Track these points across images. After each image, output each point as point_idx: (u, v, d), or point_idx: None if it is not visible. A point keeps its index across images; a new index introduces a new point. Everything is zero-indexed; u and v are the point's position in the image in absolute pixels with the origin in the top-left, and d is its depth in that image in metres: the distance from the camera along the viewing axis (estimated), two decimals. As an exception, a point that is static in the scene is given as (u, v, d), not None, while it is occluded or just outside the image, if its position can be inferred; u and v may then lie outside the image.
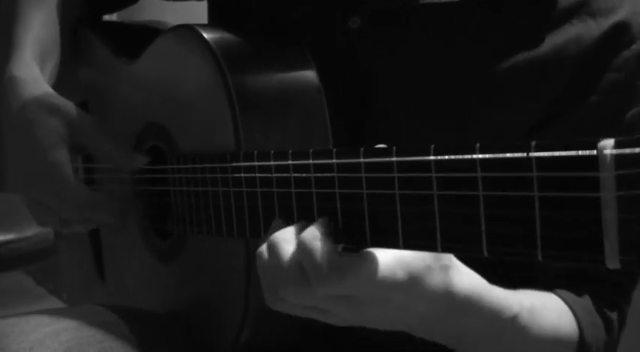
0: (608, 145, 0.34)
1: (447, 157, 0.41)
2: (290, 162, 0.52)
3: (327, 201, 0.50)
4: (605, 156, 0.34)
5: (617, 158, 0.33)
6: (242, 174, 0.58)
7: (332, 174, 0.49)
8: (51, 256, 1.26)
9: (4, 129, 0.75)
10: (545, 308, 0.61)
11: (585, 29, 0.64)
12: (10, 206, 1.10)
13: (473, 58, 0.65)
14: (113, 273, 0.87)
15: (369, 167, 0.46)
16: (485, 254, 0.40)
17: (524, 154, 0.37)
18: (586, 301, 0.65)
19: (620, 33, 0.64)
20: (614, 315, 0.67)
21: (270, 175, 0.55)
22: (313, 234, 0.47)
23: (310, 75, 0.65)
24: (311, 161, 0.51)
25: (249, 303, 0.63)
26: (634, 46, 0.64)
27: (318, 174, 0.50)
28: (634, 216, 0.33)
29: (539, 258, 0.37)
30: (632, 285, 0.69)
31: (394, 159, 0.44)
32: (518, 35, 0.64)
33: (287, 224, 0.52)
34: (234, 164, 0.59)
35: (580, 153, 0.35)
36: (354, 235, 0.48)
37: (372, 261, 0.48)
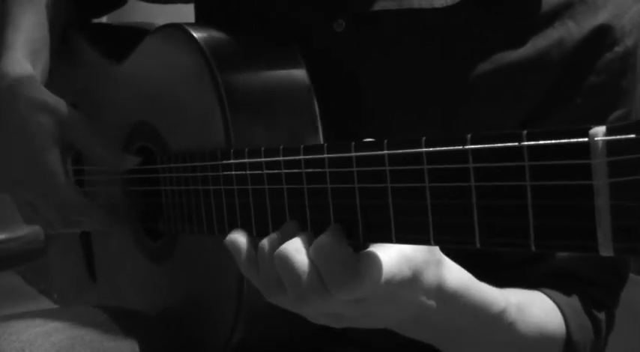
0: (599, 132, 0.33)
1: (438, 149, 0.41)
2: (281, 158, 0.52)
3: (319, 196, 0.49)
4: (596, 142, 0.33)
5: (609, 144, 0.33)
6: (233, 172, 0.58)
7: (323, 169, 0.48)
8: (41, 256, 1.25)
9: None
10: (532, 305, 0.62)
11: (567, 33, 0.64)
12: (0, 206, 1.09)
13: (457, 59, 0.65)
14: (104, 274, 0.87)
15: (361, 161, 0.46)
16: (478, 245, 0.39)
17: (516, 144, 0.37)
18: (574, 301, 0.65)
19: (602, 36, 0.64)
20: (602, 316, 0.67)
21: (261, 172, 0.54)
22: (330, 239, 0.46)
23: (300, 73, 0.65)
24: (302, 156, 0.50)
25: (242, 302, 0.62)
26: (617, 48, 0.65)
27: (310, 170, 0.50)
28: (627, 203, 0.33)
29: (533, 247, 0.37)
30: (620, 286, 0.69)
31: (385, 152, 0.44)
32: (502, 38, 0.65)
33: (301, 228, 0.50)
34: (225, 161, 0.59)
35: (572, 140, 0.34)
36: (346, 229, 0.48)
37: (381, 260, 0.47)
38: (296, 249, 0.47)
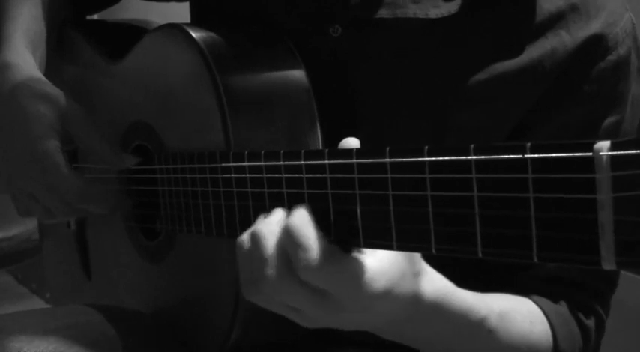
0: (604, 147, 0.34)
1: (441, 158, 0.41)
2: (282, 162, 0.52)
3: (319, 201, 0.49)
4: (601, 157, 0.34)
5: (613, 159, 0.33)
6: (232, 175, 0.58)
7: (324, 175, 0.49)
8: (34, 256, 1.25)
9: None
10: (517, 313, 0.62)
11: (560, 43, 0.65)
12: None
13: (450, 68, 0.66)
14: (99, 272, 0.87)
15: (362, 168, 0.46)
16: (480, 255, 0.40)
17: (520, 156, 0.37)
18: (562, 308, 0.66)
19: (595, 45, 0.65)
20: (590, 322, 0.68)
21: (261, 175, 0.54)
22: (301, 220, 0.47)
23: (299, 74, 0.65)
24: (303, 161, 0.50)
25: (239, 303, 0.62)
26: (609, 57, 0.65)
27: (310, 175, 0.50)
28: (630, 217, 0.33)
29: (535, 259, 0.37)
30: (610, 292, 0.70)
31: (387, 160, 0.44)
32: (496, 49, 0.65)
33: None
34: (224, 164, 0.59)
35: (576, 154, 0.35)
36: (346, 236, 0.48)
37: (358, 262, 0.48)
38: (270, 231, 0.48)
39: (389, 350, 0.64)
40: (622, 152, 0.33)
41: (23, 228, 1.24)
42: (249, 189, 0.56)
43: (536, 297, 0.65)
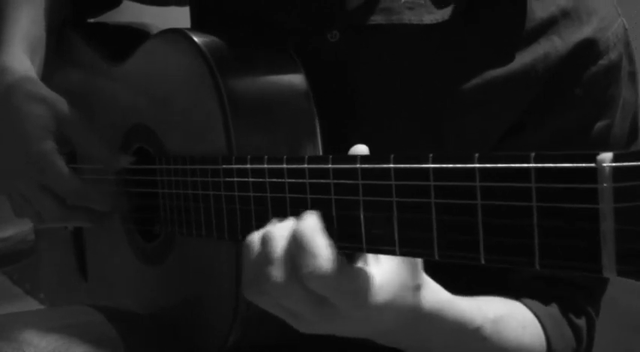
0: (606, 158, 0.35)
1: (445, 166, 0.42)
2: (284, 166, 0.53)
3: (321, 207, 0.50)
4: (603, 168, 0.35)
5: (616, 170, 0.34)
6: (235, 178, 0.58)
7: (328, 181, 0.49)
8: (30, 257, 1.25)
9: None
10: (510, 317, 0.63)
11: (552, 47, 0.66)
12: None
13: (444, 73, 0.67)
14: (96, 273, 0.87)
15: (367, 173, 0.47)
16: (483, 261, 0.40)
17: (524, 165, 0.38)
18: (554, 310, 0.67)
19: (586, 49, 0.66)
20: (582, 322, 0.69)
21: (263, 180, 0.55)
22: (311, 227, 0.47)
23: (299, 79, 0.66)
24: (306, 165, 0.51)
25: (238, 305, 0.63)
26: (601, 62, 0.66)
27: (314, 180, 0.50)
28: (631, 227, 0.34)
29: (537, 267, 0.38)
30: (601, 292, 0.71)
31: (392, 166, 0.45)
32: (489, 54, 0.66)
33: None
34: (226, 166, 0.59)
35: (579, 165, 0.36)
36: (349, 241, 0.48)
37: (362, 276, 0.49)
38: (281, 235, 0.49)
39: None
40: (624, 164, 0.34)
41: (19, 228, 1.24)
42: (251, 193, 0.57)
43: (527, 300, 0.66)
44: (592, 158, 0.35)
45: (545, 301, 0.67)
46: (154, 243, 0.74)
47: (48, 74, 0.80)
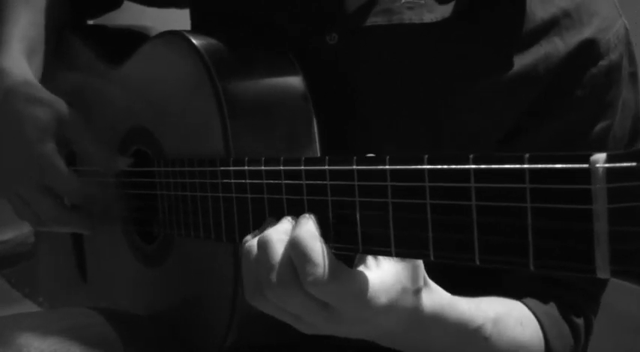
0: (600, 159, 0.35)
1: (440, 167, 0.42)
2: (281, 167, 0.53)
3: (318, 208, 0.50)
4: (597, 169, 0.35)
5: (609, 171, 0.34)
6: (232, 180, 0.58)
7: (324, 182, 0.49)
8: (29, 259, 1.25)
9: None
10: (510, 316, 0.63)
11: (553, 48, 0.66)
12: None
13: (445, 73, 0.67)
14: (95, 275, 0.87)
15: (362, 175, 0.47)
16: (478, 262, 0.41)
17: (518, 166, 0.38)
18: (552, 309, 0.67)
19: (587, 50, 0.66)
20: (580, 321, 0.69)
21: (260, 181, 0.55)
22: (310, 233, 0.48)
23: (297, 82, 0.66)
24: (303, 167, 0.51)
25: (236, 306, 0.63)
26: (601, 62, 0.66)
27: (310, 181, 0.51)
28: (624, 228, 0.34)
29: (531, 267, 0.38)
30: (599, 292, 0.71)
31: (387, 167, 0.45)
32: (490, 54, 0.66)
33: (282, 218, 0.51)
34: (224, 168, 0.59)
35: (573, 166, 0.36)
36: (345, 242, 0.49)
37: (363, 276, 0.49)
38: (278, 238, 0.49)
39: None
40: (618, 164, 0.34)
41: (18, 231, 1.24)
42: (248, 195, 0.57)
43: (526, 299, 0.67)
44: (586, 159, 0.35)
45: (544, 300, 0.67)
46: (152, 245, 0.75)
47: (47, 76, 0.80)
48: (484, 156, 0.40)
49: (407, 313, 0.52)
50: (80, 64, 0.87)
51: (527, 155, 0.38)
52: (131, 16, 0.99)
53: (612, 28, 0.67)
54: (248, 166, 0.57)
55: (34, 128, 0.71)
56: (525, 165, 0.37)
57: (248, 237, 0.53)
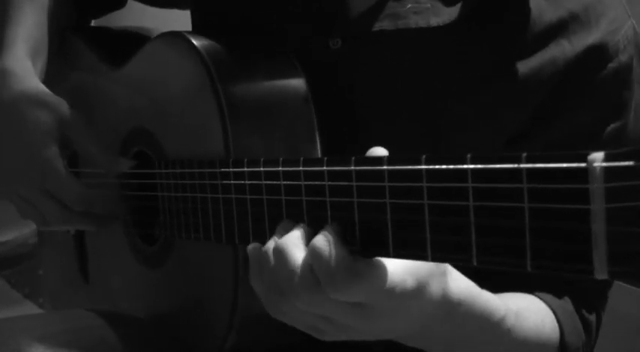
0: (597, 158, 0.34)
1: (438, 167, 0.42)
2: (280, 168, 0.53)
3: (317, 209, 0.50)
4: (594, 168, 0.34)
5: (607, 170, 0.34)
6: (232, 181, 0.58)
7: (323, 183, 0.49)
8: (30, 260, 1.25)
9: None
10: (529, 310, 0.63)
11: (561, 52, 0.66)
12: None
13: (451, 74, 0.66)
14: (97, 276, 0.87)
15: (360, 175, 0.47)
16: (475, 263, 0.40)
17: (515, 165, 0.38)
18: (567, 304, 0.67)
19: (596, 53, 0.66)
20: (592, 318, 0.69)
21: (259, 182, 0.55)
22: (326, 240, 0.46)
23: (299, 84, 0.66)
24: (301, 168, 0.51)
25: (236, 308, 0.63)
26: (610, 65, 0.66)
27: (309, 182, 0.50)
28: (622, 228, 0.33)
29: (529, 268, 0.38)
30: (606, 288, 0.71)
31: (385, 167, 0.45)
32: (496, 58, 0.66)
33: (296, 224, 0.51)
34: (224, 170, 0.59)
35: (570, 165, 0.35)
36: (343, 242, 0.48)
37: (384, 268, 0.47)
38: (294, 244, 0.48)
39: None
40: (616, 163, 0.34)
41: (18, 232, 1.24)
42: (247, 196, 0.57)
43: (542, 294, 0.66)
44: (583, 158, 0.35)
45: (557, 295, 0.67)
46: (153, 247, 0.74)
47: (49, 77, 0.80)
48: (482, 156, 0.40)
49: (438, 297, 0.51)
50: (82, 65, 0.88)
51: (524, 154, 0.37)
52: (132, 17, 1.00)
53: (621, 29, 0.67)
54: (247, 167, 0.56)
55: (37, 131, 0.71)
56: (522, 165, 0.37)
57: (256, 244, 0.52)
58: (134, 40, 0.83)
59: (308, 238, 0.48)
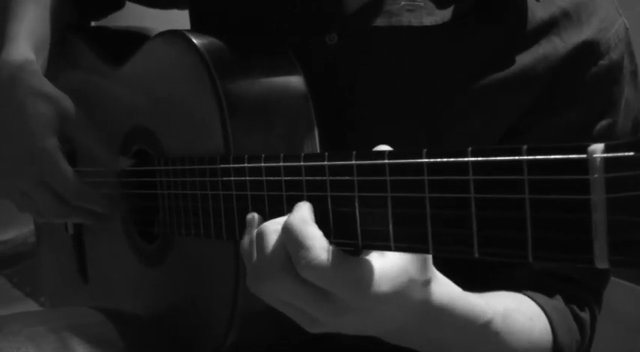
0: (598, 149, 0.35)
1: (439, 160, 0.42)
2: (281, 163, 0.53)
3: (318, 203, 0.50)
4: (595, 159, 0.35)
5: (607, 161, 0.34)
6: (232, 177, 0.58)
7: (324, 178, 0.49)
8: (30, 259, 1.25)
9: None
10: (519, 312, 0.63)
11: (553, 48, 0.66)
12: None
13: (444, 75, 0.67)
14: (96, 275, 0.87)
15: (362, 170, 0.47)
16: (476, 255, 0.41)
17: (516, 157, 0.38)
18: (559, 304, 0.67)
19: (587, 50, 0.66)
20: (586, 316, 0.69)
21: (260, 178, 0.55)
22: (301, 219, 0.47)
23: (297, 81, 0.66)
24: (302, 163, 0.51)
25: (236, 306, 0.63)
26: (601, 62, 0.67)
27: (310, 177, 0.51)
28: (623, 218, 0.34)
29: (530, 259, 0.38)
30: (602, 285, 0.71)
31: (386, 161, 0.45)
32: (489, 56, 0.66)
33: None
34: (224, 166, 0.59)
35: (571, 156, 0.36)
36: (345, 238, 0.49)
37: (362, 266, 0.48)
38: (275, 229, 0.49)
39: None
40: (615, 154, 0.34)
41: (18, 231, 1.24)
42: (248, 192, 0.57)
43: (533, 294, 0.66)
44: (583, 149, 0.35)
45: (550, 294, 0.67)
46: (153, 245, 0.75)
47: (49, 76, 0.80)
48: (482, 148, 0.40)
49: (415, 306, 0.51)
50: (82, 64, 0.88)
51: (525, 147, 0.38)
52: (132, 17, 1.00)
53: (612, 27, 0.67)
54: (248, 163, 0.57)
55: (38, 123, 0.71)
56: (523, 157, 0.38)
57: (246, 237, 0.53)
58: (134, 39, 0.83)
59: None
